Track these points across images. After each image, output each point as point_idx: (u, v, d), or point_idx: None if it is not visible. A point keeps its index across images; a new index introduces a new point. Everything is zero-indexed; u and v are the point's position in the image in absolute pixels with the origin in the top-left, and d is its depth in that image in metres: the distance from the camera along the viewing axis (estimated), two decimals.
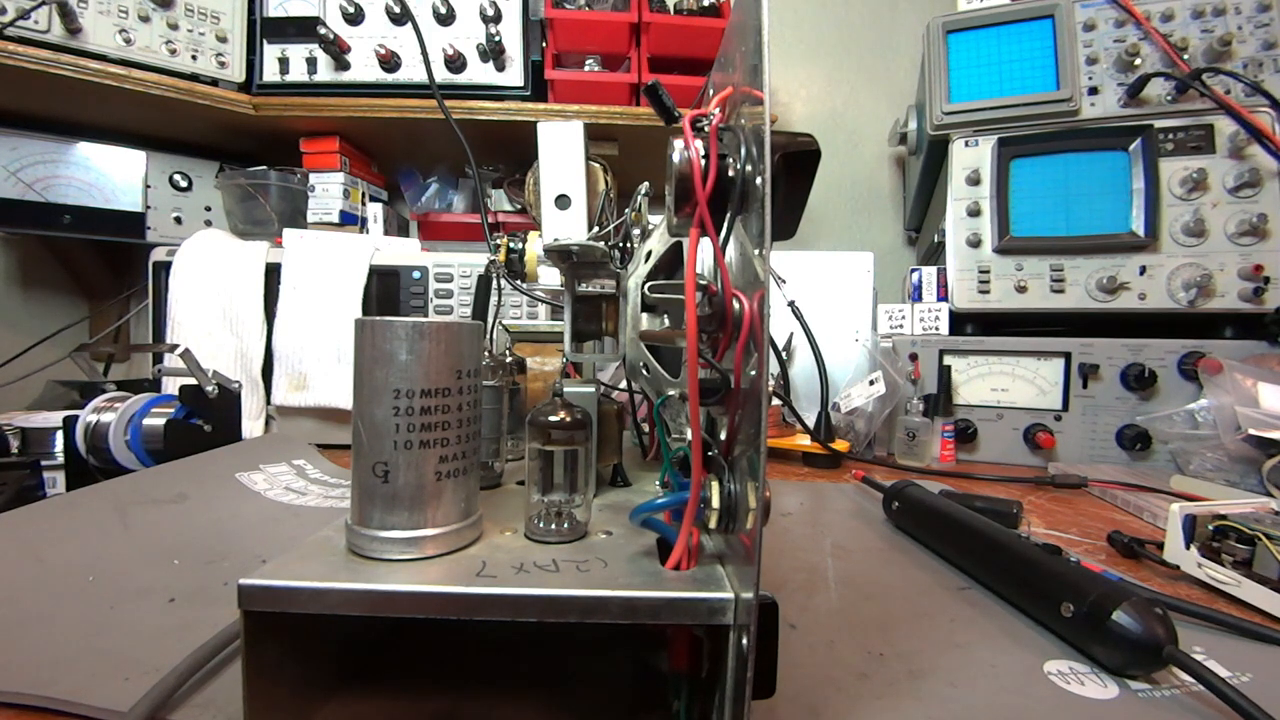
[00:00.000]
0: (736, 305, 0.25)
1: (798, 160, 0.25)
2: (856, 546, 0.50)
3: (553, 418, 0.31)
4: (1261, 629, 0.36)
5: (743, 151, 0.26)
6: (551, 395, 0.32)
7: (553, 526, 0.30)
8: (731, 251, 0.28)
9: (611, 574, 0.25)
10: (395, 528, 0.26)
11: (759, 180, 0.23)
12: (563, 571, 0.26)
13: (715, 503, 0.25)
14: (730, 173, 0.26)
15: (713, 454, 0.28)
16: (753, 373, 0.24)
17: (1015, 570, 0.39)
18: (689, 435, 0.26)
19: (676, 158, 0.26)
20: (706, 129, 0.26)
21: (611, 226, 0.44)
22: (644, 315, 0.39)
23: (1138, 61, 0.84)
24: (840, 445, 0.81)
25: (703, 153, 0.26)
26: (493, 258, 0.47)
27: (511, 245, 0.47)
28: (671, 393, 0.34)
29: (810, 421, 0.84)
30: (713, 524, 0.26)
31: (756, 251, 0.24)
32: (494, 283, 0.59)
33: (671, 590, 0.24)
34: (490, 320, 0.60)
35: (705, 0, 1.02)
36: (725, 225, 0.27)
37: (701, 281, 0.26)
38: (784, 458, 0.84)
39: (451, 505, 0.27)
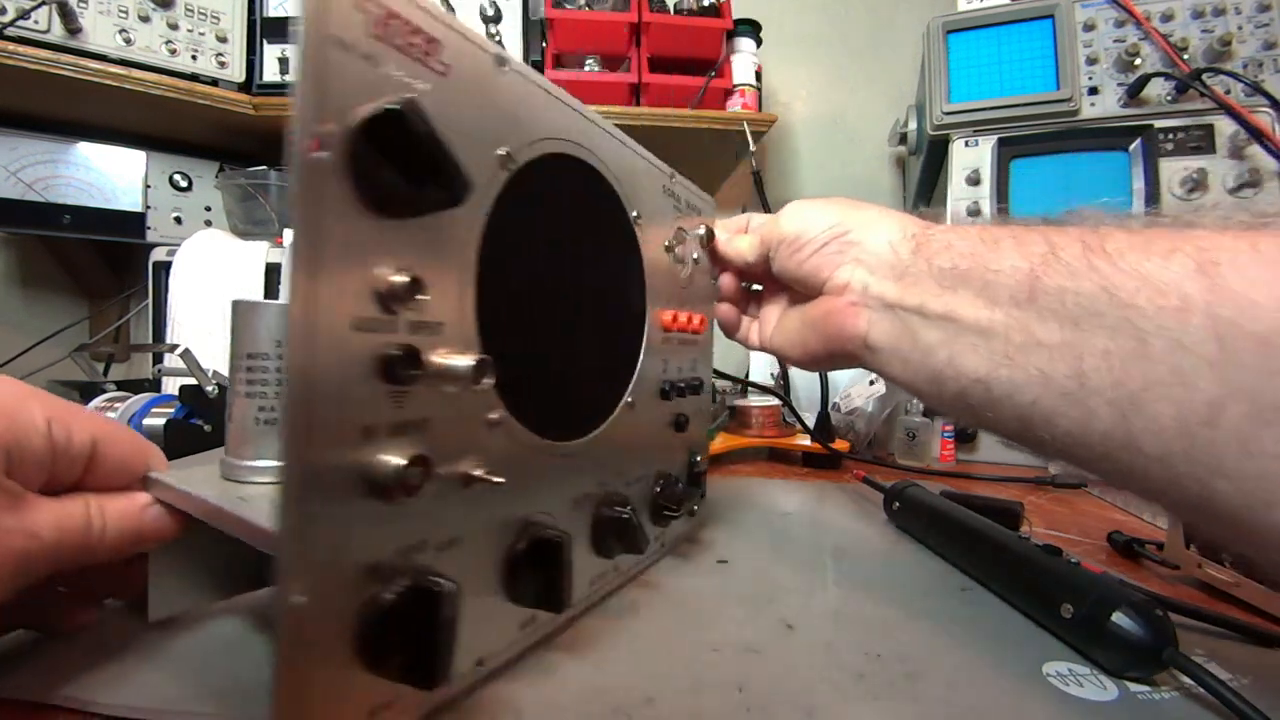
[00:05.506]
0: None
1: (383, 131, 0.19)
2: (856, 546, 0.50)
3: None
4: (1261, 630, 0.36)
5: None
6: None
7: None
8: None
9: None
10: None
11: None
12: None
13: None
14: None
15: None
16: None
17: (1015, 571, 0.39)
18: None
19: None
20: None
21: None
22: None
23: (1138, 61, 0.84)
24: (840, 445, 0.81)
25: None
26: None
27: None
28: None
29: (810, 421, 0.84)
30: None
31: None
32: None
33: None
34: None
35: (705, 0, 1.02)
36: None
37: None
38: (784, 458, 0.84)
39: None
